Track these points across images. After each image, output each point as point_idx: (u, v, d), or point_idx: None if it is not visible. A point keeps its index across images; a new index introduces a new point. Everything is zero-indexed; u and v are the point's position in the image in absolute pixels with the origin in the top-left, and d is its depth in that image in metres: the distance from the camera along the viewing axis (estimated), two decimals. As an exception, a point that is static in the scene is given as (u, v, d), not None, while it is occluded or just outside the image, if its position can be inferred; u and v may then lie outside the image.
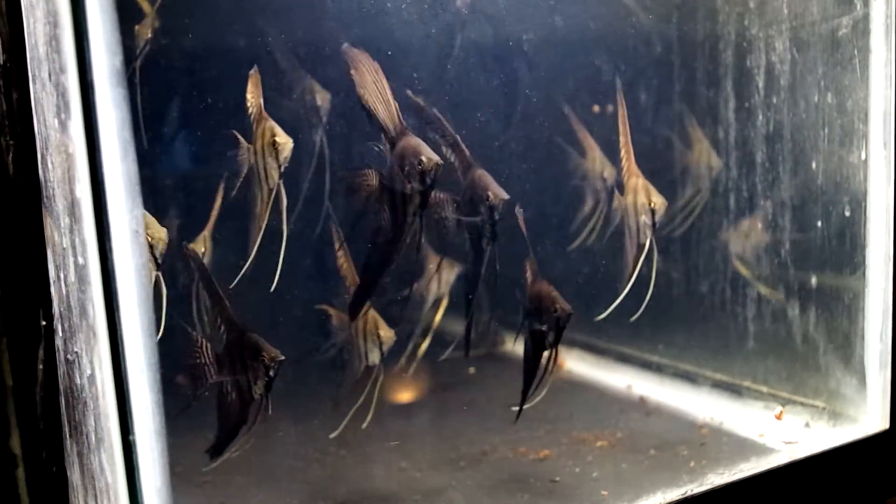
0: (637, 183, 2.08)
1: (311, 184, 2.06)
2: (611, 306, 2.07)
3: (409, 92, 1.83)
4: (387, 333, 2.01)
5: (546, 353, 1.90)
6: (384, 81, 1.72)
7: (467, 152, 1.83)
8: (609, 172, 2.43)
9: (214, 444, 1.74)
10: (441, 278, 2.23)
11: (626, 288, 2.06)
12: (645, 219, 2.05)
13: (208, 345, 1.71)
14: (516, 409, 1.93)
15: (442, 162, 1.71)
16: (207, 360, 1.70)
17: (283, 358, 1.69)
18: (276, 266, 1.84)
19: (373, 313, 2.03)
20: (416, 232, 1.77)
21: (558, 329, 1.87)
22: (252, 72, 1.80)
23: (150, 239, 1.60)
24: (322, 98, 2.06)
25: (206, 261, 1.93)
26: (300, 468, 2.06)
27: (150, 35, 1.93)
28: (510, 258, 1.92)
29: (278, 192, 1.82)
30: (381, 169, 1.75)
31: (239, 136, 1.81)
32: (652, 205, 2.05)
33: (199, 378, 1.71)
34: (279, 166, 1.85)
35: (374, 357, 1.99)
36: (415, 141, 1.73)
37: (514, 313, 1.99)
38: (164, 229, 1.64)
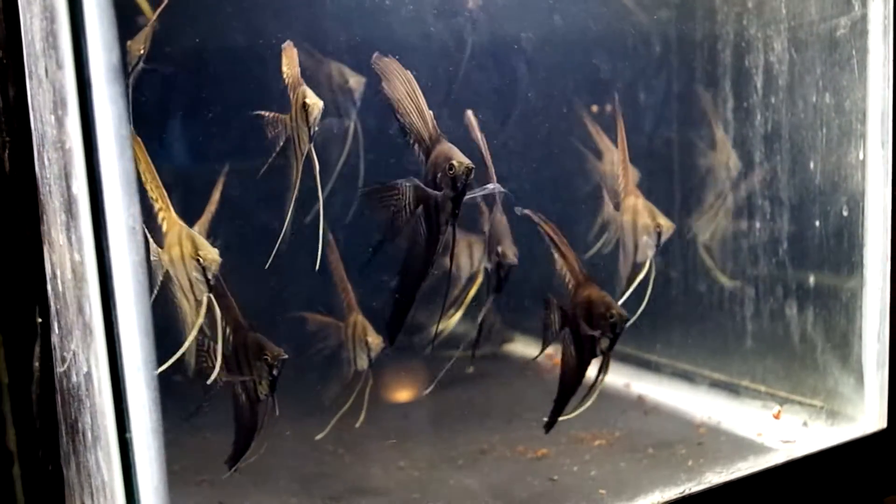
0: (637, 203, 2.07)
1: (343, 173, 2.06)
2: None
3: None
4: (374, 340, 2.01)
5: (597, 361, 1.84)
6: (417, 90, 1.68)
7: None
8: (666, 225, 2.36)
9: (232, 453, 1.72)
10: (472, 254, 2.22)
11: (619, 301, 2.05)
12: (647, 239, 2.05)
13: (215, 347, 1.68)
14: (543, 419, 1.89)
15: (473, 166, 1.65)
16: (212, 363, 1.68)
17: (285, 356, 1.67)
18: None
19: (361, 319, 2.02)
20: (448, 240, 1.72)
21: (614, 335, 1.81)
22: (285, 45, 1.75)
23: (202, 261, 1.56)
24: (356, 82, 2.05)
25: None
26: (297, 467, 2.06)
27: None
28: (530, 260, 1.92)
29: (310, 156, 1.79)
30: (413, 183, 1.70)
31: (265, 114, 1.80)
32: (657, 227, 2.04)
33: (206, 381, 1.68)
34: (309, 129, 1.83)
35: (363, 363, 1.99)
36: (447, 146, 1.67)
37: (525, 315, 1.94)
38: (216, 250, 1.58)
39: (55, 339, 1.48)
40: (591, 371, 1.86)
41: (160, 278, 1.61)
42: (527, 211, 1.83)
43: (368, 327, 2.02)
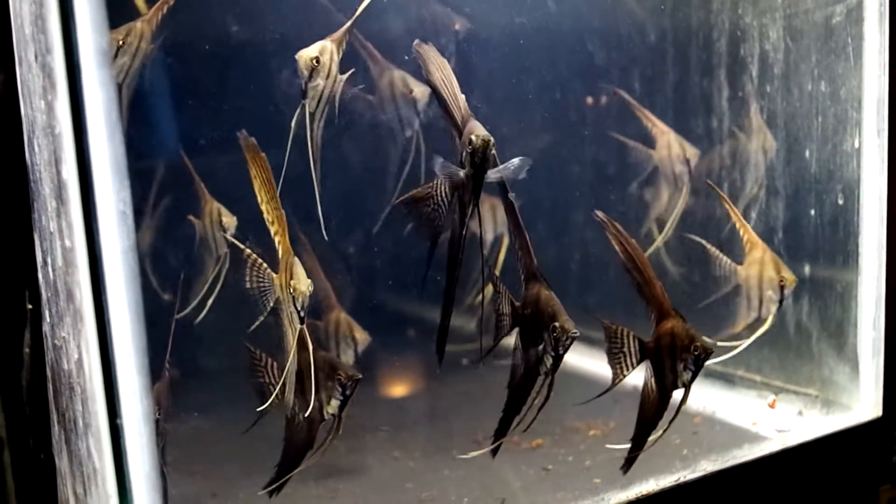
0: (764, 256, 2.06)
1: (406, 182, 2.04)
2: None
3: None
4: (361, 335, 2.00)
5: (679, 393, 1.77)
6: (451, 76, 1.67)
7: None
8: (691, 153, 2.35)
9: (276, 473, 1.67)
10: (495, 217, 2.20)
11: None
12: (772, 294, 2.05)
13: (273, 363, 1.65)
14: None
15: (491, 139, 1.58)
16: (271, 380, 1.65)
17: (360, 377, 1.62)
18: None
19: (345, 316, 2.01)
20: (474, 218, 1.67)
21: (697, 368, 1.72)
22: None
23: (292, 291, 1.53)
24: (421, 92, 2.00)
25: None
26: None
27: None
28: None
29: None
30: (446, 171, 1.65)
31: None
32: (781, 282, 2.05)
33: (264, 396, 1.65)
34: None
35: (348, 358, 1.99)
36: (473, 124, 1.62)
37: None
38: (309, 281, 1.54)
39: (46, 326, 1.47)
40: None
41: (270, 303, 1.61)
42: (611, 238, 1.72)
43: (354, 324, 2.01)
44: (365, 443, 2.11)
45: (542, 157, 2.42)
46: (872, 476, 2.28)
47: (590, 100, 2.49)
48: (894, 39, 2.14)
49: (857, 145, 2.21)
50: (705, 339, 1.72)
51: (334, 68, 1.72)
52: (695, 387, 2.25)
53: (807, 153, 2.32)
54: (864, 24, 2.17)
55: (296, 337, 1.56)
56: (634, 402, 2.40)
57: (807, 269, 2.35)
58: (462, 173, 1.61)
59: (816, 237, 2.31)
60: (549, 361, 1.66)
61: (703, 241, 2.14)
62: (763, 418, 2.25)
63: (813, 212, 2.31)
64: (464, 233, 1.68)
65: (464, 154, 1.60)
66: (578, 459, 2.07)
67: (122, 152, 1.29)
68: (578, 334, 1.62)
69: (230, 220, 1.94)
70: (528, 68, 2.29)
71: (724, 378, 2.51)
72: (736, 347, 2.07)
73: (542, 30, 2.27)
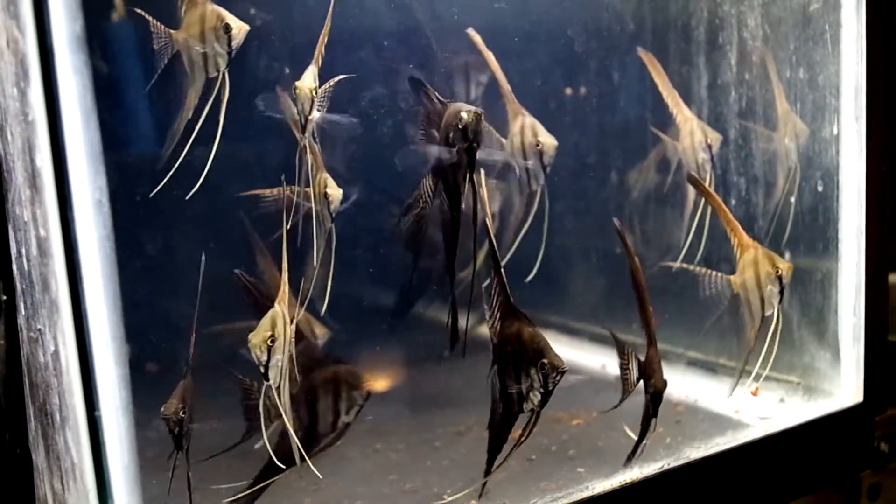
0: (756, 255, 1.98)
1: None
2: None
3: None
4: (321, 330, 1.98)
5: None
6: None
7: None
8: (713, 138, 2.18)
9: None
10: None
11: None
12: (772, 288, 1.99)
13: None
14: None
15: (482, 111, 1.58)
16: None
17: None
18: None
19: (306, 315, 1.98)
20: (470, 197, 1.65)
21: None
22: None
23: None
24: (549, 145, 1.93)
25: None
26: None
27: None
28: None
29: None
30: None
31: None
32: (778, 272, 1.98)
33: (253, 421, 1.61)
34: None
35: None
36: (457, 105, 1.63)
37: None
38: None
39: (21, 319, 1.45)
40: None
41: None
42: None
43: (312, 319, 1.98)
44: (346, 435, 2.09)
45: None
46: (854, 462, 2.29)
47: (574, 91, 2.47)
48: (871, 27, 2.15)
49: (835, 132, 2.22)
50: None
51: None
52: (676, 376, 2.26)
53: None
54: (841, 11, 2.18)
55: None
56: (617, 392, 2.41)
57: (787, 257, 2.35)
58: (454, 152, 1.60)
59: (796, 224, 2.31)
60: (535, 398, 1.63)
61: (686, 265, 2.09)
62: (745, 406, 2.25)
63: (793, 199, 2.31)
64: (460, 210, 1.66)
65: (451, 134, 1.59)
66: (562, 449, 2.07)
67: (97, 139, 1.27)
68: (567, 370, 1.60)
69: (335, 193, 1.72)
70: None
71: (706, 366, 2.51)
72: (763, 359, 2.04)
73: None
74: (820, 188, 2.26)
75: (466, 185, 1.63)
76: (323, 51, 1.63)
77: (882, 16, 2.15)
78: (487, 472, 1.75)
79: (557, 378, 1.60)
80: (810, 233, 2.29)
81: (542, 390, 1.61)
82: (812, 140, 2.27)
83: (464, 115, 1.57)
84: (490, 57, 1.88)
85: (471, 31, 1.73)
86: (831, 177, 2.24)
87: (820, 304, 2.30)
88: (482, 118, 1.58)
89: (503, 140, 1.95)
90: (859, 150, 2.19)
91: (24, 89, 1.28)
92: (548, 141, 1.92)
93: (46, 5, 1.24)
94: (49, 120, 1.25)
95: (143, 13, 1.52)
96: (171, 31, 1.53)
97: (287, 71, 1.79)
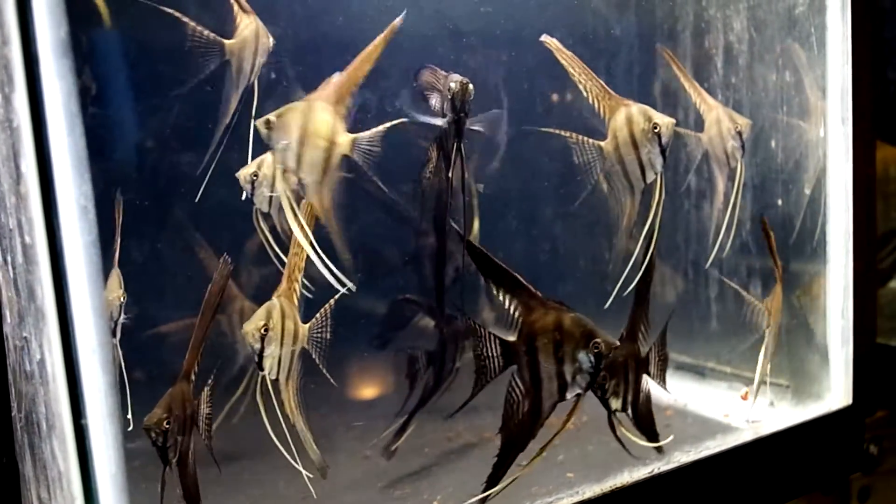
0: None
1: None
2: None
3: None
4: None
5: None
6: None
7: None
8: (743, 123, 2.04)
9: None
10: None
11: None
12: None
13: None
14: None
15: (468, 81, 1.64)
16: None
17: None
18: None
19: (250, 305, 1.95)
20: (458, 164, 1.69)
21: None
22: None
23: None
24: (666, 125, 1.76)
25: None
26: (260, 456, 2.02)
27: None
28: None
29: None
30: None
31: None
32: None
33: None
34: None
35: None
36: (451, 76, 1.69)
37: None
38: None
39: (7, 327, 1.43)
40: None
41: None
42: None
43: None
44: (335, 442, 2.08)
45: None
46: (844, 464, 2.30)
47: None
48: (856, 28, 2.16)
49: (822, 134, 2.22)
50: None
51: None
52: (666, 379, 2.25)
53: (773, 143, 2.32)
54: (826, 13, 2.19)
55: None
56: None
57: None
58: (444, 122, 1.66)
59: (784, 226, 2.31)
60: (583, 381, 1.63)
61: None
62: (735, 410, 2.25)
63: (780, 201, 2.31)
64: (450, 181, 1.70)
65: (444, 103, 1.65)
66: (551, 454, 2.05)
67: (82, 145, 1.26)
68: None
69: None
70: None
71: (695, 371, 2.51)
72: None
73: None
74: (807, 190, 2.26)
75: (455, 154, 1.68)
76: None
77: (867, 19, 2.16)
78: (502, 472, 1.74)
79: (611, 355, 1.61)
80: (798, 235, 2.29)
81: (591, 371, 1.61)
82: (799, 142, 2.27)
83: (453, 84, 1.64)
84: (573, 58, 1.77)
85: (546, 38, 1.71)
86: (818, 179, 2.24)
87: (808, 307, 2.30)
88: (470, 89, 1.64)
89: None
90: (846, 152, 2.19)
91: (9, 95, 1.27)
92: (665, 121, 1.75)
93: (31, 11, 1.23)
94: (34, 126, 1.24)
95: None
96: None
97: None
